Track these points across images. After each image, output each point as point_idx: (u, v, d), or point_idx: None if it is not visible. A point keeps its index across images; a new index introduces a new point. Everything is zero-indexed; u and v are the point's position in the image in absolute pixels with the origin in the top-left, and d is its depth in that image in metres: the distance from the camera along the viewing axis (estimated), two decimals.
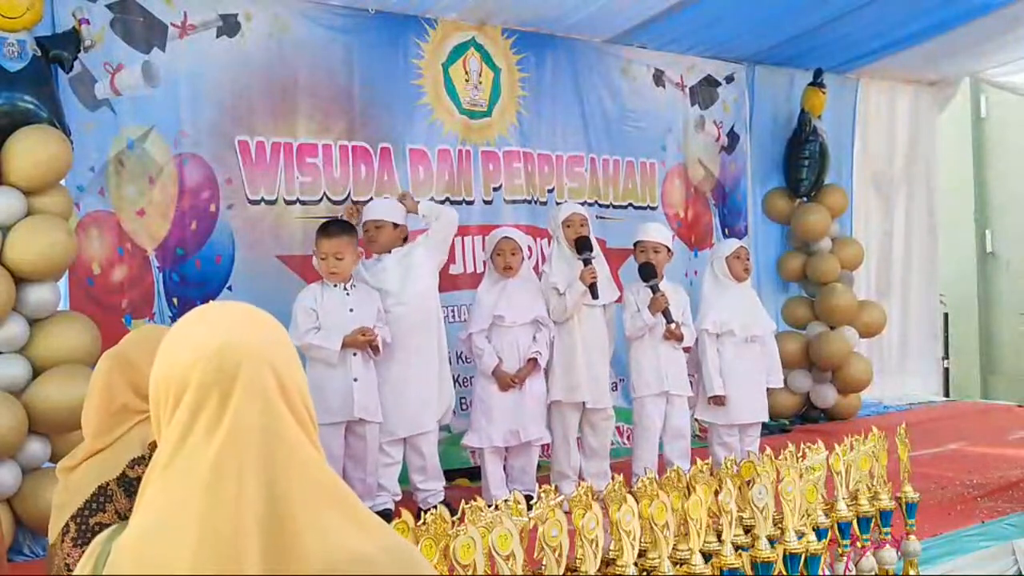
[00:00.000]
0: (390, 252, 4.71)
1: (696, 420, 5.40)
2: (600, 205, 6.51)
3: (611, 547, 2.47)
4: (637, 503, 2.50)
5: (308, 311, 4.41)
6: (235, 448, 1.02)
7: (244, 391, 1.04)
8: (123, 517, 1.86)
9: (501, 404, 4.74)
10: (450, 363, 4.98)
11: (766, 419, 5.46)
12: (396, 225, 4.73)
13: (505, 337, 4.76)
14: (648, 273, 4.98)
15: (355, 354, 4.42)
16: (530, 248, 5.72)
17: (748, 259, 5.36)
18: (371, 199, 5.29)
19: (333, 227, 4.52)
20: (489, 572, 2.11)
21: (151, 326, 4.38)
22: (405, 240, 4.82)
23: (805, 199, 7.39)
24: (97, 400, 2.01)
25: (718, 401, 5.12)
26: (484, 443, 4.75)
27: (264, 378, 1.05)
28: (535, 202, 6.23)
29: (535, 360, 4.77)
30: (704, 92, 7.16)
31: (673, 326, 4.95)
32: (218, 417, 1.03)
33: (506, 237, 4.86)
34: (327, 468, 1.08)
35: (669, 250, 5.14)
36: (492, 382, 4.74)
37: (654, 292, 4.93)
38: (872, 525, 3.35)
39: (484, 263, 5.02)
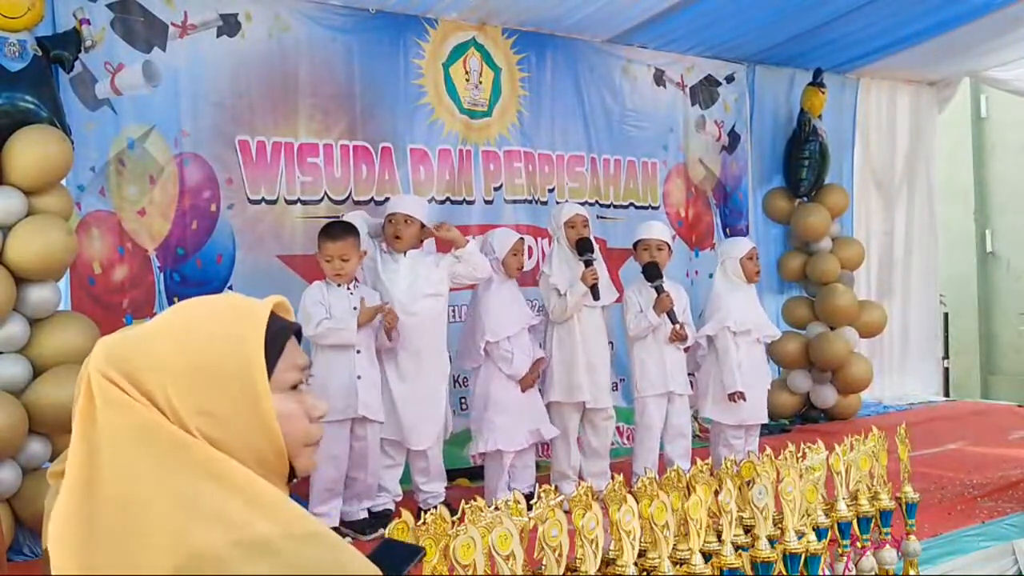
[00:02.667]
0: (405, 254, 4.61)
1: (697, 420, 5.39)
2: (601, 205, 6.52)
3: (611, 547, 2.47)
4: (637, 503, 2.50)
5: (317, 304, 4.36)
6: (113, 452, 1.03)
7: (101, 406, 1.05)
8: None
9: (520, 405, 4.71)
10: (451, 361, 4.90)
11: (767, 420, 5.46)
12: (423, 225, 4.66)
13: (520, 338, 4.73)
14: (653, 273, 4.95)
15: (359, 351, 4.40)
16: (530, 248, 5.72)
17: (758, 260, 5.36)
18: (372, 199, 5.28)
19: (337, 229, 4.43)
20: (489, 572, 2.11)
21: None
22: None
23: (805, 199, 7.39)
24: None
25: (738, 397, 5.07)
26: (512, 446, 4.67)
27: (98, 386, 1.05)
28: (536, 202, 6.22)
29: (543, 359, 4.79)
30: (705, 92, 7.16)
31: (678, 326, 4.94)
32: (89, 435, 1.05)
33: (521, 239, 4.86)
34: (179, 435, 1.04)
35: (670, 248, 5.14)
36: (514, 385, 4.70)
37: (659, 292, 4.91)
38: (872, 525, 3.34)
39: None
